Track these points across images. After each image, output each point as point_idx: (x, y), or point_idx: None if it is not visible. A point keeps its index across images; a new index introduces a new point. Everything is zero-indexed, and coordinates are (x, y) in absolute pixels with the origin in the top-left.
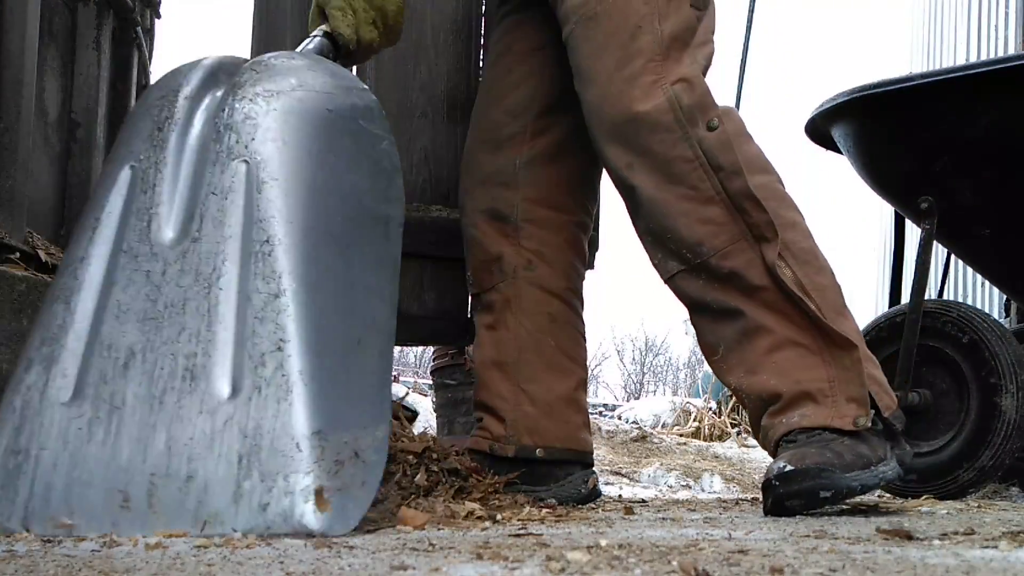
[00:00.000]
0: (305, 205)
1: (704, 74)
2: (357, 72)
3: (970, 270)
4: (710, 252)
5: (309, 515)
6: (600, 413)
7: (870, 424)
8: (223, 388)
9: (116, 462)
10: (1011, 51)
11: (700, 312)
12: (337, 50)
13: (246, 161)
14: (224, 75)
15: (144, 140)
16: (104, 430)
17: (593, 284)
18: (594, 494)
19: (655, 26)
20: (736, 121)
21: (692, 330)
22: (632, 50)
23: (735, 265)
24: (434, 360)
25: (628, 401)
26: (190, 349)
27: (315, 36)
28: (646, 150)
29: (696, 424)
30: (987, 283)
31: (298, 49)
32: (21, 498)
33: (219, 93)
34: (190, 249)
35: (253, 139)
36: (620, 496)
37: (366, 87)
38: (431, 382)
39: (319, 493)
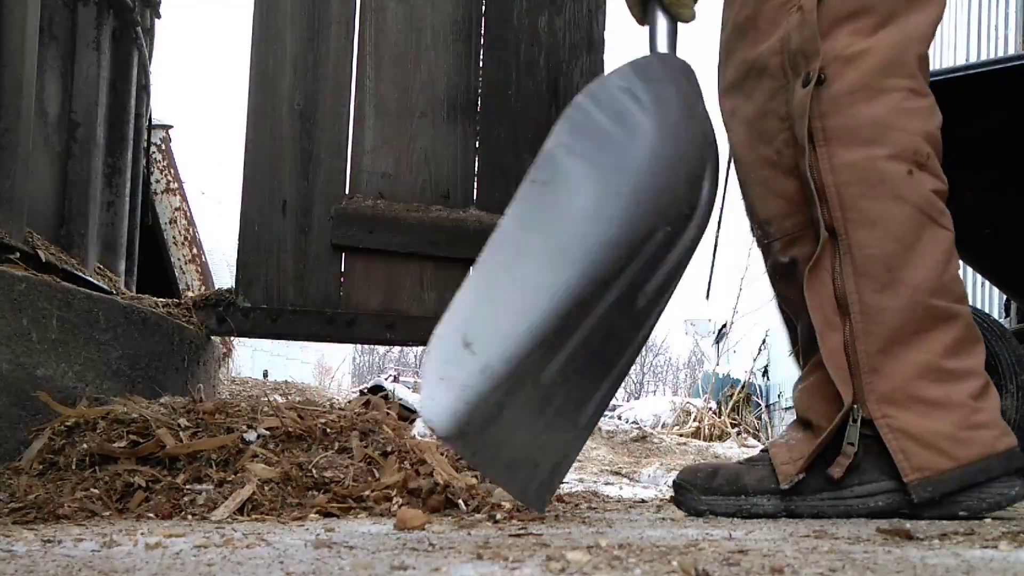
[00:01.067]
0: None
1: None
2: (358, 71)
3: (970, 270)
4: (776, 235)
5: None
6: None
7: (791, 486)
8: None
9: (530, 438)
10: (1011, 51)
11: (778, 300)
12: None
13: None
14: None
15: (674, 216)
16: (532, 420)
17: None
18: None
19: None
20: (863, 72)
21: (692, 330)
22: None
23: (796, 256)
24: None
25: (628, 401)
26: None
27: (663, 20)
28: (749, 96)
29: (696, 424)
30: (987, 283)
31: (660, 40)
32: (485, 437)
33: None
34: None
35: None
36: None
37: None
38: None
39: None
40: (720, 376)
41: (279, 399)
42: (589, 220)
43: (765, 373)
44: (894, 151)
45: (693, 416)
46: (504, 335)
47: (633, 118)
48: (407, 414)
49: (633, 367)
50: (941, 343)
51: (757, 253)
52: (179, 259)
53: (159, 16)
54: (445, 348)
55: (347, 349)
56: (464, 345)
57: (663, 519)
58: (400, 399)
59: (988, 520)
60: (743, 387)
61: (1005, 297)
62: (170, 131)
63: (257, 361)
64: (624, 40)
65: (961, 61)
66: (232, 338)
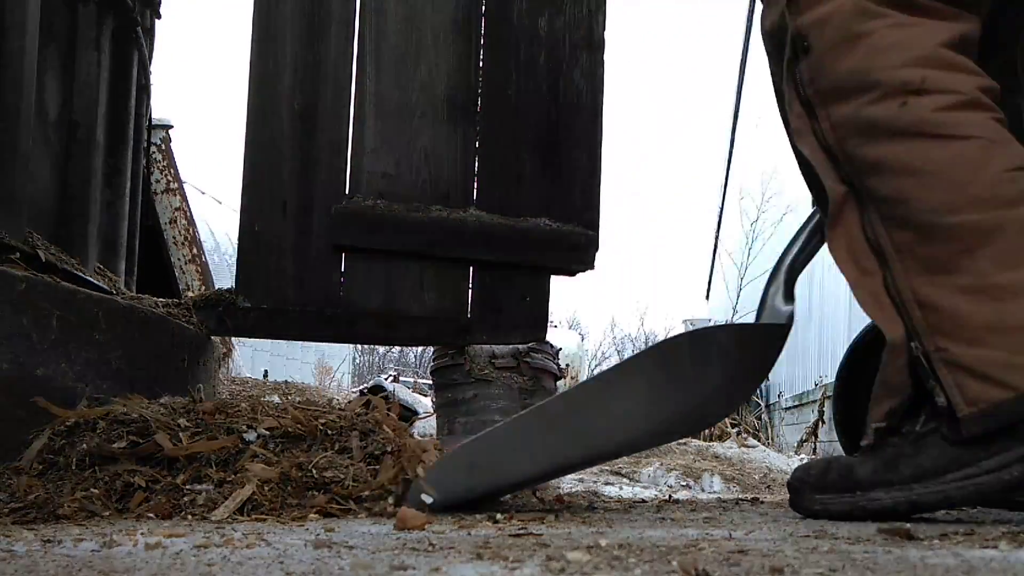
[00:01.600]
0: None
1: None
2: (358, 71)
3: None
4: (813, 199)
5: None
6: None
7: (872, 440)
8: None
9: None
10: None
11: None
12: None
13: None
14: None
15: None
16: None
17: (593, 284)
18: None
19: None
20: (836, 28)
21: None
22: None
23: (845, 223)
24: (434, 360)
25: None
26: None
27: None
28: (773, 78)
29: None
30: None
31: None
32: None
33: None
34: None
35: None
36: (620, 497)
37: None
38: (431, 382)
39: None
40: None
41: (277, 400)
42: (617, 421)
43: None
44: (879, 93)
45: None
46: (497, 473)
47: (709, 372)
48: (407, 414)
49: None
50: (984, 259)
51: (756, 252)
52: (179, 259)
53: (159, 16)
54: (455, 463)
55: (347, 349)
56: (468, 466)
57: (663, 519)
58: (400, 399)
59: (988, 520)
60: None
61: None
62: (170, 131)
63: (257, 361)
64: (624, 40)
65: None
66: (232, 338)
